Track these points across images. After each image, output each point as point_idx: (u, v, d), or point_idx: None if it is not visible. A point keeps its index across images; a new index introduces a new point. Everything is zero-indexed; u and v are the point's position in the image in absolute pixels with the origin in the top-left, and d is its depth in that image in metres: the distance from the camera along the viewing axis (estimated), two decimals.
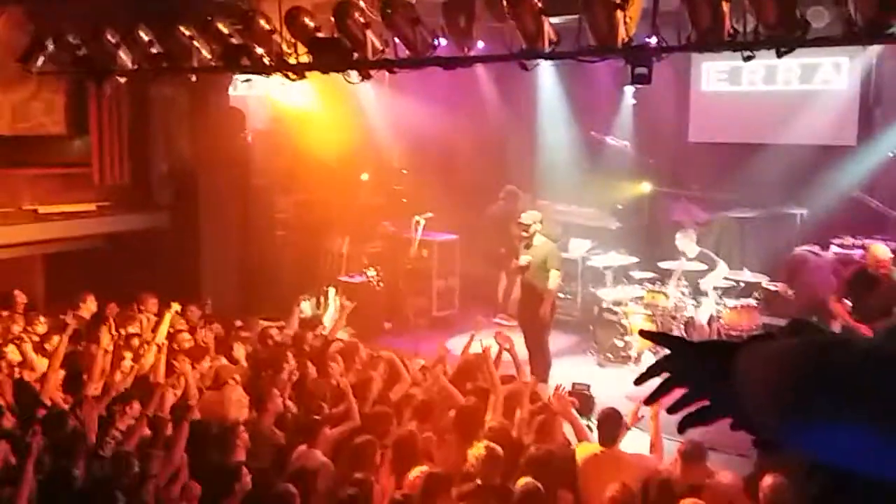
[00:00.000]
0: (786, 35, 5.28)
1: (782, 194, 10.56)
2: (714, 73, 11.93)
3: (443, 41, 7.80)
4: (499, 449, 5.96)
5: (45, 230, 11.58)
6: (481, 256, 12.33)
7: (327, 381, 8.10)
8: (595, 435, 6.84)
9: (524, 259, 9.96)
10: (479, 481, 5.85)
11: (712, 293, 10.57)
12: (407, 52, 7.60)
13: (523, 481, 5.66)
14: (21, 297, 10.60)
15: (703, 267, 10.86)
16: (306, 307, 12.29)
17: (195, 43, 8.87)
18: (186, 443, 6.31)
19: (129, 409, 6.81)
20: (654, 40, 6.47)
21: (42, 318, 9.78)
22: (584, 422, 7.93)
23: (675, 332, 10.55)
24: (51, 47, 9.88)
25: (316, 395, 7.85)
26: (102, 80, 9.90)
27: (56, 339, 9.06)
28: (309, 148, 12.79)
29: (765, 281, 10.49)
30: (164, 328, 8.95)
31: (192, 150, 12.18)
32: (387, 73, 8.88)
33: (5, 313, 10.25)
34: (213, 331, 9.93)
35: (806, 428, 0.92)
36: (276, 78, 9.43)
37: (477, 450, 5.93)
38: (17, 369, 8.25)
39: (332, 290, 12.35)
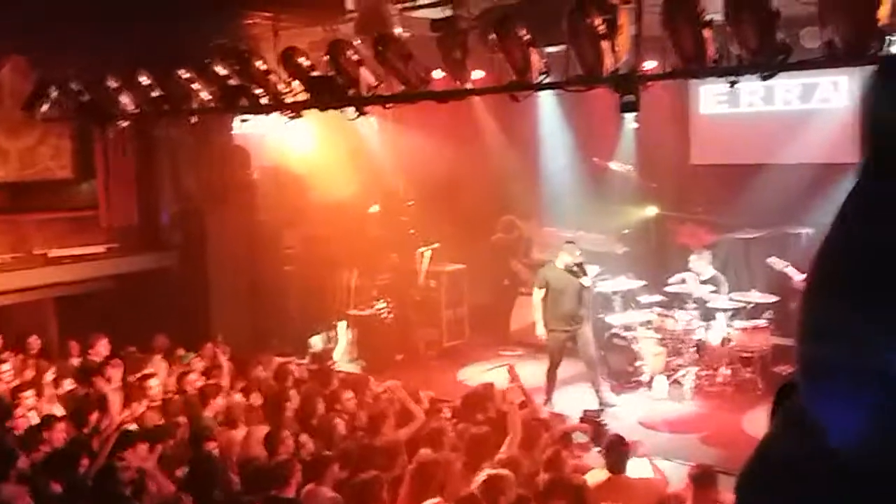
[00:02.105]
0: (768, 59, 5.31)
1: (787, 214, 10.51)
2: (713, 96, 11.93)
3: (438, 73, 7.89)
4: (505, 474, 5.94)
5: (55, 273, 11.69)
6: (488, 285, 12.34)
7: (340, 416, 8.14)
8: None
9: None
10: None
11: (721, 315, 10.52)
12: (401, 86, 7.67)
13: None
14: (35, 343, 10.72)
15: (712, 288, 10.84)
16: (316, 341, 12.33)
17: (194, 85, 9.00)
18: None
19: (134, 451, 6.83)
20: (651, 64, 6.53)
21: (52, 367, 9.86)
22: (595, 450, 7.92)
23: (686, 355, 10.53)
24: (54, 94, 10.06)
25: (327, 431, 7.88)
26: (106, 125, 10.05)
27: (67, 382, 9.18)
28: (314, 183, 12.89)
29: (771, 300, 10.42)
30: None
31: (198, 190, 12.32)
32: (388, 108, 8.98)
33: (19, 357, 10.36)
34: (225, 369, 9.99)
35: None
36: (279, 117, 9.55)
37: (479, 477, 5.93)
38: (31, 413, 8.30)
39: (342, 324, 12.38)
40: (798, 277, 9.97)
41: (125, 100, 9.71)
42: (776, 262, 10.27)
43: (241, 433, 7.84)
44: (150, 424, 7.90)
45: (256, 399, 8.75)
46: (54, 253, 11.74)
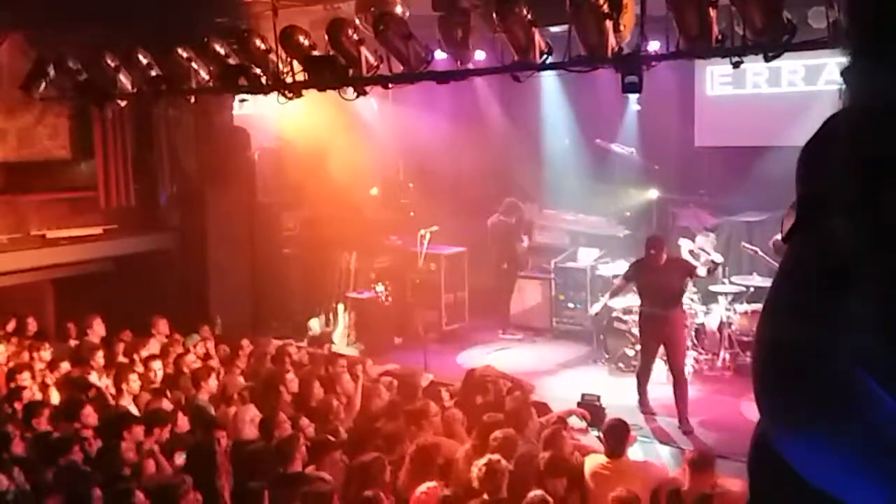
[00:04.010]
0: (773, 39, 5.22)
1: (790, 197, 10.30)
2: (718, 77, 11.84)
3: (440, 54, 7.80)
4: (501, 462, 5.93)
5: (53, 255, 11.64)
6: (489, 268, 12.27)
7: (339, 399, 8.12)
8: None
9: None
10: (486, 496, 5.82)
11: (721, 299, 10.47)
12: (401, 66, 7.59)
13: (533, 493, 5.62)
14: (32, 325, 10.69)
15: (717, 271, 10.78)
16: (315, 324, 12.29)
17: (193, 64, 8.91)
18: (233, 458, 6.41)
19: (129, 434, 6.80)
20: (655, 45, 6.44)
21: (47, 346, 9.84)
22: (594, 433, 7.91)
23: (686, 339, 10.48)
24: (52, 73, 9.97)
25: (326, 414, 7.86)
26: (104, 104, 9.97)
27: (63, 365, 9.15)
28: (314, 164, 12.80)
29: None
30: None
31: (197, 171, 12.24)
32: (388, 89, 8.89)
33: (16, 339, 10.33)
34: (220, 351, 9.98)
35: None
36: (278, 97, 9.45)
37: (479, 465, 5.91)
38: (25, 395, 8.27)
39: (340, 307, 12.34)
40: (770, 260, 9.97)
41: (123, 79, 9.62)
42: (747, 247, 10.32)
43: (231, 412, 7.81)
44: (152, 408, 7.87)
45: (242, 381, 8.69)
46: (52, 234, 11.69)
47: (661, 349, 9.21)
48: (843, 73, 0.95)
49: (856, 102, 0.92)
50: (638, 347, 10.51)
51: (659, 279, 8.93)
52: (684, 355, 9.36)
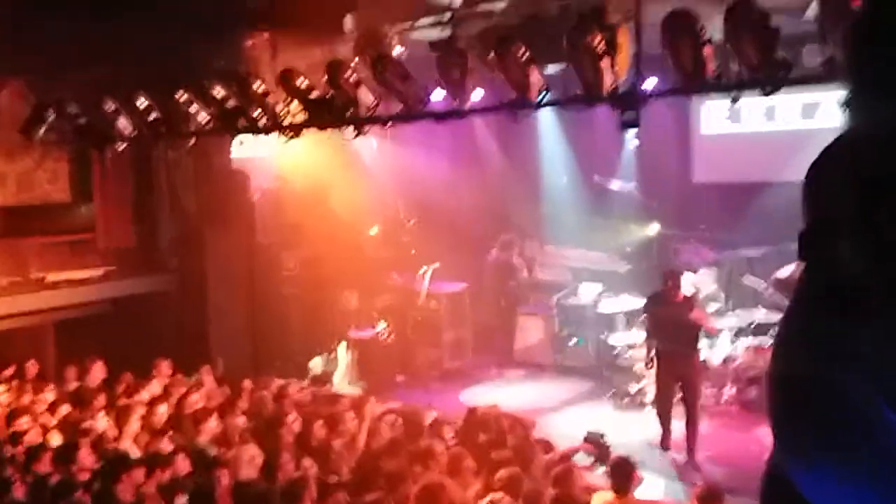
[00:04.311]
0: (769, 75, 5.26)
1: (789, 231, 10.31)
2: (715, 113, 11.91)
3: (438, 94, 7.84)
4: (504, 499, 5.88)
5: (53, 298, 11.63)
6: (490, 306, 12.24)
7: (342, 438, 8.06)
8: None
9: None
10: None
11: (726, 334, 10.43)
12: (399, 106, 7.63)
13: None
14: (33, 368, 10.63)
15: (719, 305, 10.76)
16: (316, 364, 12.24)
17: (192, 107, 8.96)
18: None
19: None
20: (651, 82, 6.49)
21: (51, 387, 9.81)
22: (600, 470, 7.83)
23: None
24: (52, 117, 10.02)
25: (329, 455, 7.79)
26: (103, 147, 10.01)
27: (64, 408, 9.09)
28: (314, 204, 12.83)
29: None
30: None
31: (197, 212, 12.25)
32: (387, 128, 8.93)
33: (16, 382, 10.28)
34: (222, 392, 9.91)
35: None
36: (278, 138, 9.49)
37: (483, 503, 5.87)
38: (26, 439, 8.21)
39: (342, 346, 12.29)
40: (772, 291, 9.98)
41: (123, 122, 9.67)
42: (757, 283, 10.30)
43: (231, 453, 7.73)
44: (152, 449, 7.80)
45: (242, 422, 8.61)
46: (52, 277, 11.68)
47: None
48: (844, 104, 0.97)
49: (856, 130, 0.94)
50: (643, 382, 10.47)
51: (676, 315, 8.83)
52: (700, 394, 9.29)
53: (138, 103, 9.33)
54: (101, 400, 9.24)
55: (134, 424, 8.45)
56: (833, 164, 0.96)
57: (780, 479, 0.90)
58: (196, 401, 9.34)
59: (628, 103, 5.94)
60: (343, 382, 11.78)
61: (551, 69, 7.06)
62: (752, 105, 11.15)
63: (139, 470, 6.97)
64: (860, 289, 0.83)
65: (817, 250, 0.92)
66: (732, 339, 10.39)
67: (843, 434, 0.81)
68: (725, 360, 10.29)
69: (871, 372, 0.81)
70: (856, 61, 0.96)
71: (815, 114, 10.97)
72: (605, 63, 5.93)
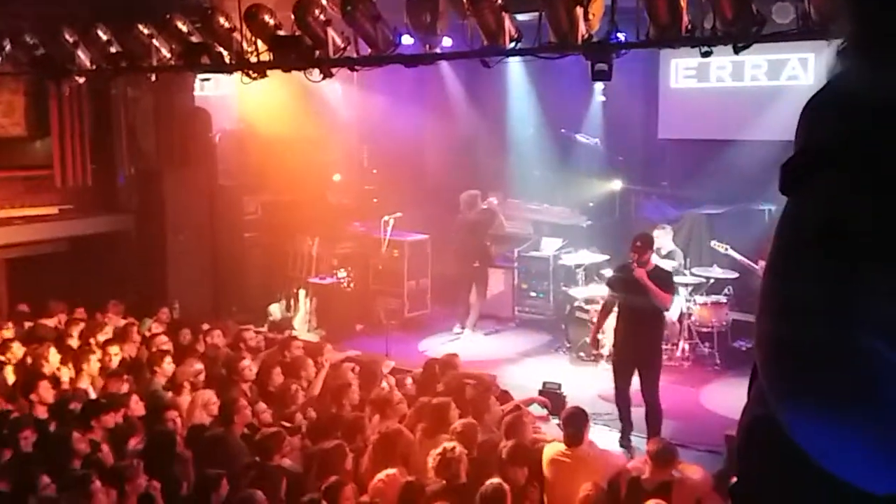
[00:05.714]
0: (743, 31, 5.24)
1: (751, 190, 10.51)
2: (682, 70, 11.90)
3: (407, 39, 7.72)
4: (456, 449, 5.92)
5: (6, 234, 11.36)
6: (453, 256, 12.19)
7: (300, 387, 8.04)
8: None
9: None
10: (443, 482, 5.82)
11: (682, 290, 10.54)
12: (369, 49, 7.50)
13: (490, 481, 5.61)
14: None
15: (675, 263, 10.84)
16: (276, 310, 12.17)
17: (154, 42, 8.72)
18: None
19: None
20: (621, 36, 6.44)
21: (10, 325, 9.65)
22: (554, 421, 7.91)
23: None
24: (8, 47, 9.71)
25: (286, 400, 7.78)
26: (61, 81, 9.72)
27: (16, 346, 8.95)
28: (277, 148, 12.64)
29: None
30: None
31: (156, 151, 12.01)
32: (354, 72, 8.77)
33: None
34: (178, 335, 9.81)
35: None
36: (242, 77, 9.29)
37: (434, 454, 5.91)
38: None
39: (302, 293, 12.22)
40: (740, 258, 10.06)
41: (82, 55, 9.39)
42: (718, 245, 10.38)
43: (186, 399, 7.68)
44: (107, 391, 7.72)
45: (197, 366, 8.52)
46: (5, 213, 11.41)
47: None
48: (838, 55, 0.92)
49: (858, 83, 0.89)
50: (599, 336, 10.47)
51: (641, 300, 7.89)
52: (658, 388, 8.12)
53: (98, 34, 9.05)
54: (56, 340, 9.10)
55: (94, 365, 8.35)
56: (838, 94, 0.91)
57: (765, 428, 0.88)
58: (165, 342, 9.22)
59: (601, 53, 5.89)
60: (302, 329, 11.73)
61: (524, 17, 6.96)
62: (720, 62, 11.16)
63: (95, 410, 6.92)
64: (859, 225, 0.79)
65: (808, 180, 0.86)
66: (688, 296, 10.51)
67: (845, 379, 0.79)
68: (680, 317, 10.41)
69: (870, 312, 0.78)
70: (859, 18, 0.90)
71: (782, 72, 11.01)
72: (579, 11, 5.86)
